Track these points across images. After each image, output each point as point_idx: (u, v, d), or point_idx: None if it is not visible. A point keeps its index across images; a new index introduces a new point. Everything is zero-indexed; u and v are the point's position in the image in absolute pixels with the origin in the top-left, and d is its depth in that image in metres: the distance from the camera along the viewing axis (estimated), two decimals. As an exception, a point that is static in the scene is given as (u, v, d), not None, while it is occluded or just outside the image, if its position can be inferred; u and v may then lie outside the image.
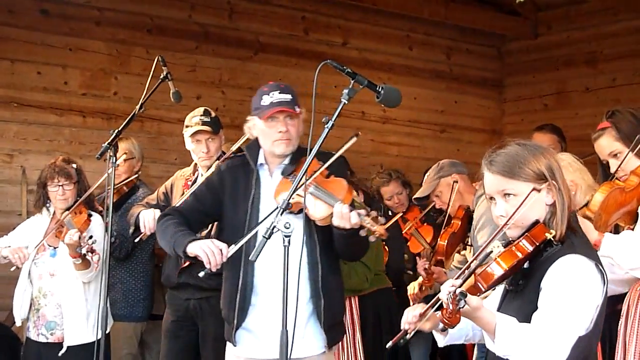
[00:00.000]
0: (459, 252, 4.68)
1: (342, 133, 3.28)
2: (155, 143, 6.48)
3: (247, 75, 6.82)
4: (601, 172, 3.51)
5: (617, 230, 3.37)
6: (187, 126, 4.53)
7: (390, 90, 2.92)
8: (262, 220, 3.33)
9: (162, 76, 4.04)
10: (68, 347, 4.37)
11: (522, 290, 2.42)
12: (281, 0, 7.08)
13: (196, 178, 4.52)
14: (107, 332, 3.93)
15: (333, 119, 2.76)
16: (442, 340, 2.58)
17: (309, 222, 3.26)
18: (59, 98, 6.17)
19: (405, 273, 5.32)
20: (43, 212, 4.60)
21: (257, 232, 3.30)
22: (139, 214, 4.38)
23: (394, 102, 2.94)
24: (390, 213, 5.59)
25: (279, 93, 3.45)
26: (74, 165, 4.56)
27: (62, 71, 6.18)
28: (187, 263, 4.19)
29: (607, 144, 3.39)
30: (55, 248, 4.47)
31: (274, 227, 2.62)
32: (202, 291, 4.29)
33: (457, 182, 4.48)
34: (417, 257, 5.36)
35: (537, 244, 2.36)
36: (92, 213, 4.49)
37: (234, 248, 3.27)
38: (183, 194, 4.36)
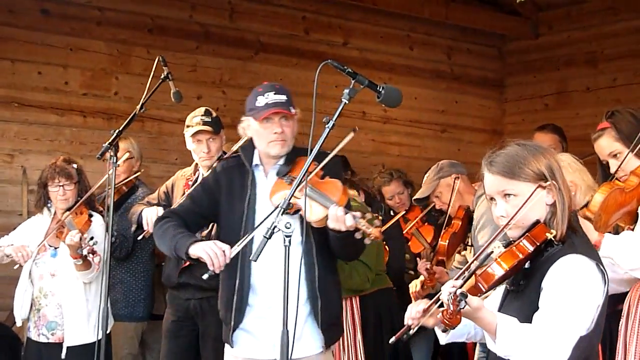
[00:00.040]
0: (459, 252, 4.68)
1: (342, 133, 3.27)
2: (156, 143, 6.49)
3: (248, 75, 6.82)
4: (601, 172, 3.51)
5: (617, 230, 3.36)
6: (188, 126, 4.53)
7: (391, 90, 2.92)
8: (264, 220, 3.32)
9: (162, 76, 4.03)
10: (69, 347, 4.37)
11: (523, 291, 2.42)
12: (282, 0, 7.08)
13: (197, 178, 4.51)
14: (107, 332, 3.93)
15: (334, 119, 2.76)
16: (444, 338, 2.58)
17: (305, 222, 3.26)
18: (59, 98, 6.17)
19: (406, 273, 5.32)
20: (44, 212, 4.60)
21: (256, 233, 3.30)
22: (141, 211, 4.39)
23: (395, 102, 2.94)
24: (391, 213, 5.60)
25: (274, 94, 3.43)
26: (75, 166, 4.56)
27: (63, 71, 6.18)
28: (187, 263, 4.18)
29: (606, 144, 3.39)
30: (56, 248, 4.47)
31: (275, 227, 2.62)
32: (203, 291, 4.29)
33: (458, 177, 4.49)
34: (417, 258, 5.36)
35: (538, 244, 2.36)
36: (93, 213, 4.49)
37: (236, 248, 3.27)
38: (184, 194, 4.36)
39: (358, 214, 3.12)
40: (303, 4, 7.19)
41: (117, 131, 3.80)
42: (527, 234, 2.38)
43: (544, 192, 2.38)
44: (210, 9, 6.77)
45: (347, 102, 2.80)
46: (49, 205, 4.57)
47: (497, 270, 2.35)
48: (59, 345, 4.39)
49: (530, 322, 2.30)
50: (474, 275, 2.36)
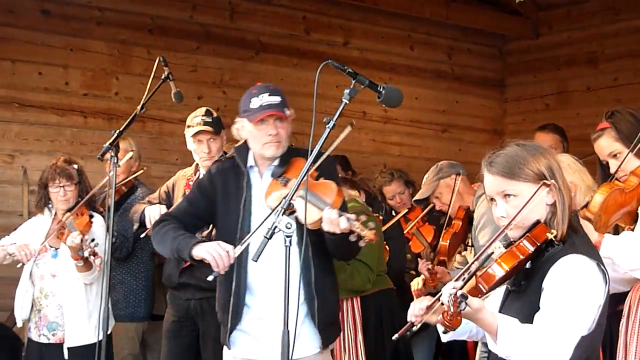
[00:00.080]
0: (459, 252, 4.68)
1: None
2: (156, 143, 6.49)
3: (249, 75, 6.82)
4: (600, 172, 3.50)
5: (617, 230, 3.36)
6: (188, 126, 4.54)
7: (392, 90, 2.92)
8: (265, 220, 3.31)
9: (163, 76, 4.03)
10: (69, 348, 4.36)
11: (524, 291, 2.41)
12: (282, 0, 7.08)
13: (197, 178, 4.51)
14: (108, 332, 3.92)
15: (334, 119, 2.76)
16: (445, 336, 2.58)
17: (301, 224, 3.25)
18: (60, 98, 6.18)
19: (407, 273, 5.32)
20: (44, 212, 4.59)
21: (256, 233, 3.29)
22: (143, 210, 4.39)
23: (395, 102, 2.94)
24: (392, 213, 5.59)
25: (269, 95, 3.41)
26: (75, 166, 4.55)
27: (63, 71, 6.19)
28: (188, 263, 4.18)
29: (606, 144, 3.38)
30: (56, 249, 4.46)
31: (276, 227, 2.62)
32: (203, 291, 4.28)
33: (459, 174, 4.49)
34: (418, 258, 5.36)
35: (539, 244, 2.36)
36: (94, 214, 4.49)
37: (239, 249, 3.25)
38: (185, 194, 4.36)
39: (353, 216, 3.10)
40: (303, 4, 7.19)
41: (117, 131, 3.79)
42: (527, 234, 2.38)
43: (545, 192, 2.38)
44: (210, 9, 6.77)
45: (347, 102, 2.80)
46: (49, 205, 4.57)
47: (498, 270, 2.34)
48: (60, 345, 4.39)
49: (532, 323, 2.29)
50: (474, 276, 2.36)
